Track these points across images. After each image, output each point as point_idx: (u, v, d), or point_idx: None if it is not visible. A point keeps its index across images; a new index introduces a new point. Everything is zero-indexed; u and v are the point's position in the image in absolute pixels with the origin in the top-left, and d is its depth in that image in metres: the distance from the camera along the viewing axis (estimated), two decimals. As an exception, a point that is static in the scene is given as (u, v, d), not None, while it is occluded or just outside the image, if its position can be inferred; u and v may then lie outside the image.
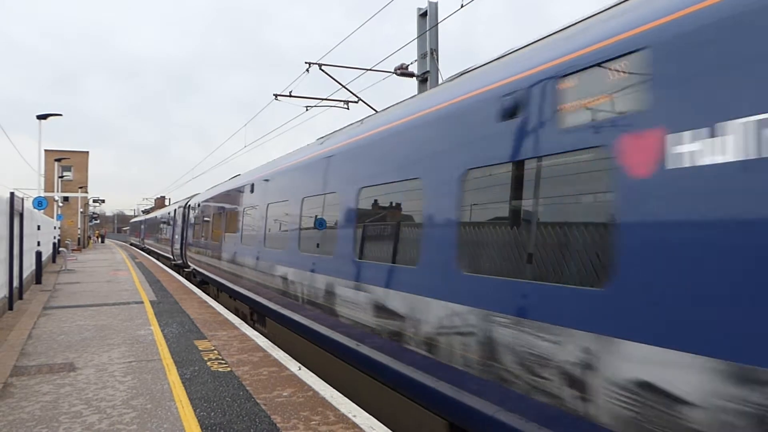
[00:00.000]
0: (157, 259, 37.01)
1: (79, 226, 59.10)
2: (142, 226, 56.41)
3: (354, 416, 5.54)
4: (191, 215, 22.85)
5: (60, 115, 31.01)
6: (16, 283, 13.93)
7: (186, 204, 24.80)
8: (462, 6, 10.29)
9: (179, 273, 26.92)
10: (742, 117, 2.69)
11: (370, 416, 5.58)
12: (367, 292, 6.23)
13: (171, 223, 29.79)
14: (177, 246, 26.50)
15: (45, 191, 38.31)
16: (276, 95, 17.23)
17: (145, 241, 50.35)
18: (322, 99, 17.02)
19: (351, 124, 8.57)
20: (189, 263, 22.83)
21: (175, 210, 28.74)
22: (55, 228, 37.34)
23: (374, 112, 12.54)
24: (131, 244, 71.32)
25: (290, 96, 17.13)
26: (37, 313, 12.14)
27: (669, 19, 3.13)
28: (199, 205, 20.92)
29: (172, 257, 29.36)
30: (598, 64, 3.53)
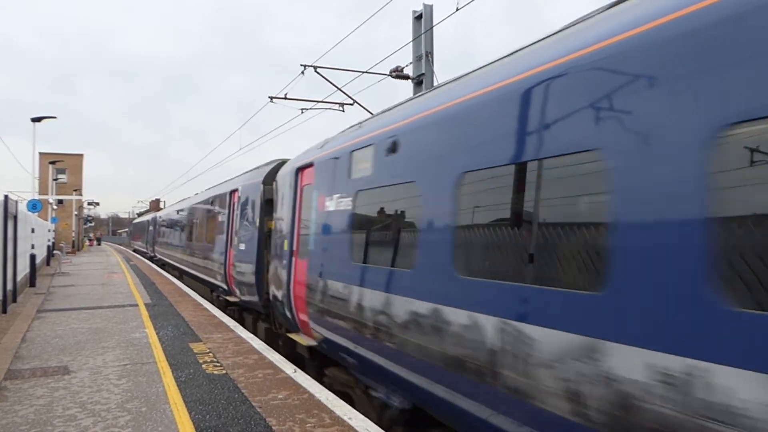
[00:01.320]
0: (180, 279, 23.65)
1: (73, 229, 58.88)
2: (152, 228, 38.34)
3: (350, 419, 5.53)
4: (326, 195, 8.01)
5: (54, 117, 30.88)
6: (10, 286, 13.86)
7: (275, 172, 11.72)
8: (457, 9, 10.32)
9: (244, 324, 13.32)
10: None
11: (366, 419, 5.57)
12: None
13: (223, 217, 15.41)
14: (246, 266, 12.36)
15: (39, 194, 38.15)
16: (271, 98, 17.23)
17: (158, 249, 33.33)
18: (317, 101, 17.04)
19: None
20: (319, 328, 7.71)
21: (234, 191, 14.40)
22: (49, 231, 37.20)
23: (370, 114, 12.49)
24: (135, 251, 56.43)
25: (285, 98, 17.13)
26: (31, 316, 12.08)
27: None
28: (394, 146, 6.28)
29: (223, 286, 14.81)
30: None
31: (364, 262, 6.48)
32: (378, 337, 5.98)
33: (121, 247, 74.41)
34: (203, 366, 7.70)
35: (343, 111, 17.09)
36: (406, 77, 14.97)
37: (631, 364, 3.07)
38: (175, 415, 5.68)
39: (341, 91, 16.05)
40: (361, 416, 5.62)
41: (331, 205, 7.70)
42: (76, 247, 56.71)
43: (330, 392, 6.51)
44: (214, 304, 15.67)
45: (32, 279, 19.46)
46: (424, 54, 14.46)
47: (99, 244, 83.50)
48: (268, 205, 11.78)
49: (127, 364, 7.79)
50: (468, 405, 4.52)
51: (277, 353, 8.55)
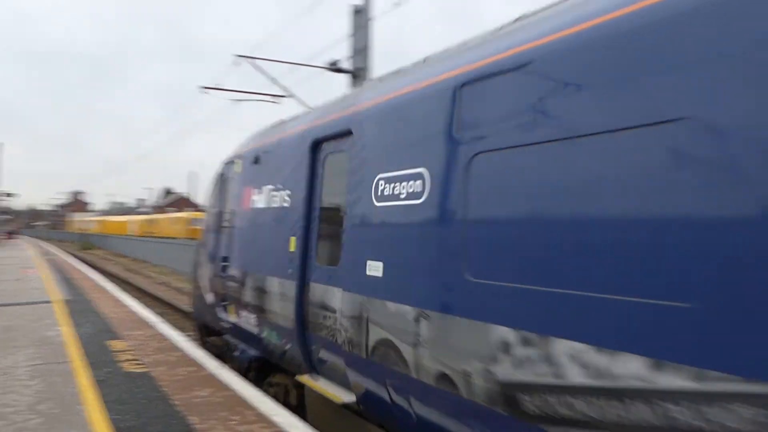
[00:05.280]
0: None
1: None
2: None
3: (274, 415, 5.48)
4: None
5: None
6: None
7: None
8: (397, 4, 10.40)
9: None
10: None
11: (292, 414, 5.55)
12: None
13: None
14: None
15: (-54, 182, 35.42)
16: (204, 87, 16.77)
17: None
18: (251, 93, 16.73)
19: None
20: None
21: None
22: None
23: (307, 107, 12.46)
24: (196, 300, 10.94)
25: (218, 89, 16.72)
26: (-67, 314, 11.23)
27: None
28: None
29: None
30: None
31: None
32: None
33: (38, 240, 70.18)
34: (122, 364, 7.42)
35: (278, 103, 16.86)
36: (344, 70, 14.95)
37: None
38: (90, 416, 5.44)
39: (276, 83, 15.82)
40: (286, 413, 5.60)
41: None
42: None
43: (255, 389, 6.43)
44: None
45: (-64, 273, 18.07)
46: (361, 48, 14.48)
47: (14, 237, 78.61)
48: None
49: (40, 364, 7.39)
50: None
51: (201, 350, 8.36)
